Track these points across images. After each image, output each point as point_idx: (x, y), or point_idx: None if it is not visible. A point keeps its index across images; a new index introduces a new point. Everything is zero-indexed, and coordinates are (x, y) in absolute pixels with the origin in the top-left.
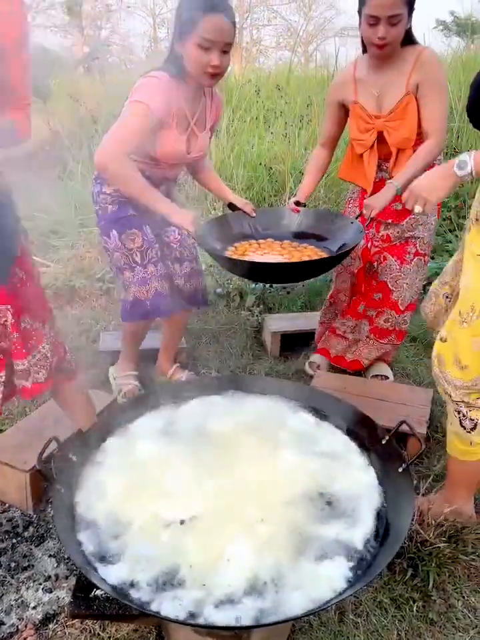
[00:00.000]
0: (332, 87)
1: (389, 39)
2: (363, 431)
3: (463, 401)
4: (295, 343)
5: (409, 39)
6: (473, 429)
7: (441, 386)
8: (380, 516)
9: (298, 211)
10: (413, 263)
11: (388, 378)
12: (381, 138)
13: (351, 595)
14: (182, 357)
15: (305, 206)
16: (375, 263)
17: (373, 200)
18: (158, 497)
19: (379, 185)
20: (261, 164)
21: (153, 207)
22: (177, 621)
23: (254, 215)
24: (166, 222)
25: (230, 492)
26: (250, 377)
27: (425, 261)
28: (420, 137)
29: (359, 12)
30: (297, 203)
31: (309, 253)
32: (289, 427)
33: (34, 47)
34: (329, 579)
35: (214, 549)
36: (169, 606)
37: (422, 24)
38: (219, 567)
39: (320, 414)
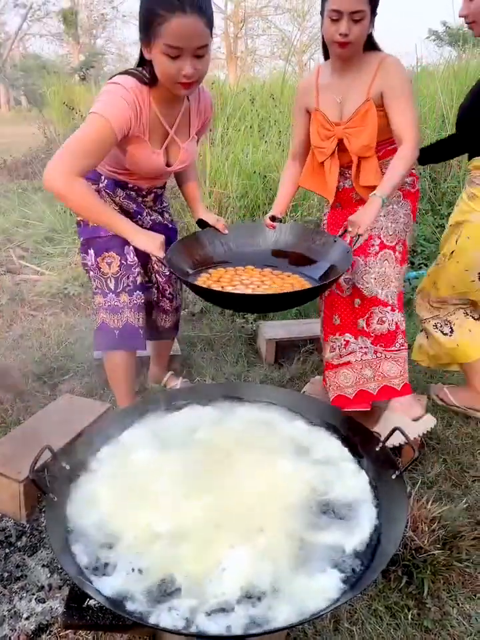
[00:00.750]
0: (296, 93)
1: (351, 37)
2: (357, 438)
3: (435, 316)
4: (290, 350)
5: (371, 45)
6: (452, 331)
7: (420, 310)
8: (374, 523)
9: (274, 227)
10: (378, 255)
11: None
12: (342, 145)
13: (345, 603)
14: (176, 364)
15: (281, 221)
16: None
17: (359, 216)
18: (152, 506)
19: (341, 194)
20: (255, 172)
21: (114, 230)
22: (173, 631)
23: (226, 232)
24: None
25: (226, 501)
26: (244, 384)
27: (395, 256)
28: (381, 145)
29: (322, 13)
30: (273, 219)
31: (292, 281)
32: (283, 435)
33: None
34: (323, 587)
35: (210, 558)
36: (166, 616)
37: (414, 34)
38: (214, 575)
39: (314, 421)
